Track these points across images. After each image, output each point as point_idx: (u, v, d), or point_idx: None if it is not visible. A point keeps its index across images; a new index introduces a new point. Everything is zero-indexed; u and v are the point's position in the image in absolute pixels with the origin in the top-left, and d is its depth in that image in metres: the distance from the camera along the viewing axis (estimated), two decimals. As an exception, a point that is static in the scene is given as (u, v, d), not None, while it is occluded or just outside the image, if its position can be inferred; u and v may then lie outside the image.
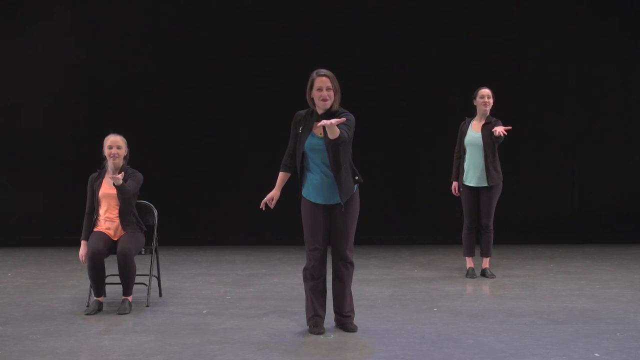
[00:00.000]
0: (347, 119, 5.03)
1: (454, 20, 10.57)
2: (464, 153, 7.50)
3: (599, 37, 10.66)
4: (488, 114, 7.51)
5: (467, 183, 7.51)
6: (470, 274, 7.57)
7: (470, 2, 10.62)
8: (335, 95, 5.15)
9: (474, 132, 7.48)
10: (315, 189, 5.17)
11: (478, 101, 7.52)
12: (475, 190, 7.50)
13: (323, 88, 5.13)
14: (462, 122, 7.63)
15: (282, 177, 5.37)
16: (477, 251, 7.68)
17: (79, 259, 5.95)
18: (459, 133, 7.60)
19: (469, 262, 7.65)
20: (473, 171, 7.47)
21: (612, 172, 10.65)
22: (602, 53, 10.65)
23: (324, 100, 5.11)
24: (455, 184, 7.59)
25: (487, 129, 7.39)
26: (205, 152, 10.46)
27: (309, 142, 5.15)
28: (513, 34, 10.64)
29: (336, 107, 5.19)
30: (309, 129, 5.17)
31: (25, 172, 10.30)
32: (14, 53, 10.34)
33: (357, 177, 5.24)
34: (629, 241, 10.29)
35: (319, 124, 4.94)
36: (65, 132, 10.32)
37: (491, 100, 7.51)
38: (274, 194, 5.32)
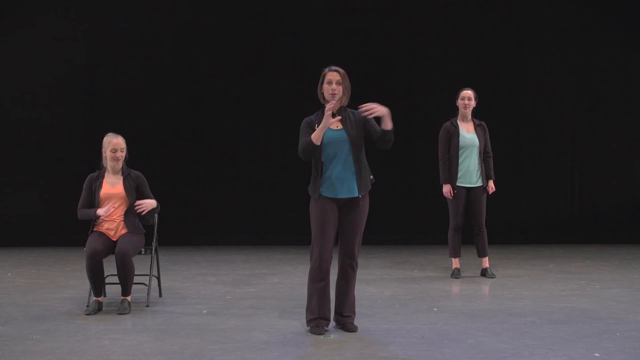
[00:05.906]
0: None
1: (454, 19, 10.56)
2: (457, 154, 7.46)
3: (600, 36, 10.66)
4: (469, 116, 7.51)
5: (462, 184, 7.49)
6: (455, 274, 7.58)
7: (471, 1, 10.63)
8: (344, 91, 5.18)
9: (468, 134, 7.48)
10: (335, 182, 5.13)
11: (459, 102, 7.52)
12: (467, 191, 7.50)
13: (333, 81, 5.16)
14: (448, 123, 7.54)
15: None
16: (462, 251, 7.70)
17: (100, 216, 5.89)
18: (446, 135, 7.50)
19: (455, 263, 7.66)
20: (470, 172, 7.47)
21: (612, 172, 10.64)
22: (602, 53, 10.65)
23: (333, 94, 5.14)
24: (449, 187, 7.49)
25: (479, 130, 7.49)
26: (205, 152, 10.45)
27: (328, 136, 5.12)
28: (513, 34, 10.63)
29: (345, 103, 5.22)
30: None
31: (25, 172, 10.29)
32: (12, 52, 10.33)
33: (371, 177, 5.26)
34: (629, 241, 10.29)
35: (365, 108, 4.98)
36: (65, 132, 10.31)
37: (472, 102, 7.50)
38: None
